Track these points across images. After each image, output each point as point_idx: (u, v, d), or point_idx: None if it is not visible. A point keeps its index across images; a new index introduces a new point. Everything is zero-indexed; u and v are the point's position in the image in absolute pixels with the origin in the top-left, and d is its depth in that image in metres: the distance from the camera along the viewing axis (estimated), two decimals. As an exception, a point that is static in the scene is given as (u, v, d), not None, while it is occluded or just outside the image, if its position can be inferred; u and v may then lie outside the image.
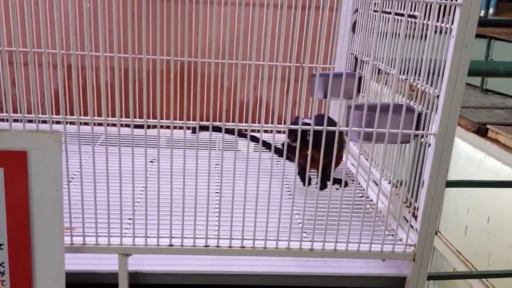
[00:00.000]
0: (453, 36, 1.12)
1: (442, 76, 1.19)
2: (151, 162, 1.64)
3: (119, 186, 1.20)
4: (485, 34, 4.29)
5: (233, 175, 1.22)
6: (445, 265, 3.67)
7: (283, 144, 1.52)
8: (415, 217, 1.29)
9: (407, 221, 1.33)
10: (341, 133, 1.31)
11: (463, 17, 1.09)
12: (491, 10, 5.72)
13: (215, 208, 1.43)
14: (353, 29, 1.90)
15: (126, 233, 1.26)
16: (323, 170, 1.36)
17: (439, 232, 3.74)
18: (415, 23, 1.32)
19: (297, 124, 1.23)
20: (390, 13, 1.46)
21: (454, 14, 1.15)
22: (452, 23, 1.14)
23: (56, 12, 1.11)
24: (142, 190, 1.44)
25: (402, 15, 1.33)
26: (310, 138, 1.22)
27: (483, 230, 3.37)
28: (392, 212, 1.39)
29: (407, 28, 1.26)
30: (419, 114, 1.28)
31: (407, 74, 1.35)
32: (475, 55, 4.36)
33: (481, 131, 3.30)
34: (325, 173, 1.48)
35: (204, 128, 1.22)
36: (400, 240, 1.32)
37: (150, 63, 1.91)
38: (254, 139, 1.80)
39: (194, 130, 1.46)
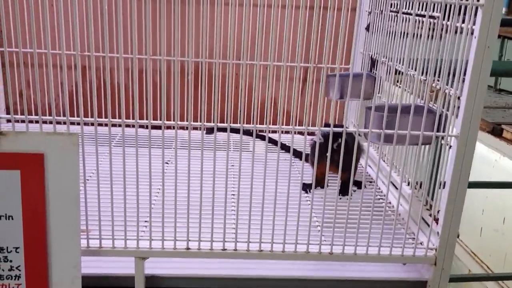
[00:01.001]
0: (475, 37, 1.10)
1: (464, 77, 1.17)
2: (166, 163, 1.63)
3: (136, 188, 1.19)
4: (498, 33, 4.26)
5: (251, 178, 1.20)
6: (460, 266, 3.64)
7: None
8: (436, 220, 1.26)
9: (428, 224, 1.31)
10: (358, 143, 1.29)
11: (486, 18, 1.07)
12: (503, 10, 5.69)
13: (232, 211, 1.41)
14: (368, 29, 1.88)
15: (142, 236, 1.25)
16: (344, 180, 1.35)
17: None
18: (435, 23, 1.30)
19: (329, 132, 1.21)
20: (410, 14, 1.44)
21: (476, 15, 1.12)
22: (474, 24, 1.12)
23: (74, 13, 1.10)
24: (158, 192, 1.43)
25: (421, 15, 1.31)
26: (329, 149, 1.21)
27: (498, 231, 3.34)
28: (412, 215, 1.37)
29: (428, 28, 1.24)
30: (440, 116, 1.26)
31: (427, 75, 1.33)
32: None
33: (496, 131, 3.27)
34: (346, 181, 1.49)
35: (220, 129, 1.21)
36: (421, 243, 1.30)
37: (165, 64, 1.89)
38: (271, 140, 1.79)
39: (208, 131, 1.45)
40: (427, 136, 1.21)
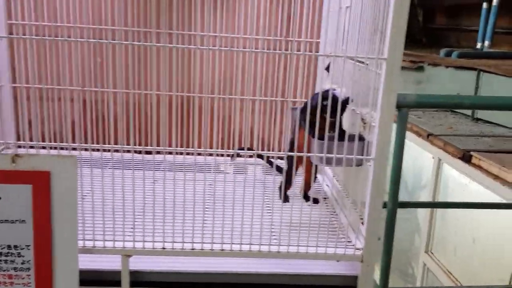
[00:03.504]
0: (381, 83, 1.42)
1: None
2: (154, 183, 1.94)
3: (122, 201, 1.51)
4: (474, 67, 4.57)
5: (214, 196, 1.52)
6: (437, 284, 3.89)
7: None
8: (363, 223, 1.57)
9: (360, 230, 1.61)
10: None
11: (389, 68, 1.40)
12: (486, 43, 5.97)
13: (199, 218, 1.72)
14: (327, 69, 2.21)
15: (127, 239, 1.56)
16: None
17: (431, 252, 3.98)
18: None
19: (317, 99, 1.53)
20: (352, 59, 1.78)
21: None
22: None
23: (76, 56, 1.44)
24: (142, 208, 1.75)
25: (360, 62, 1.64)
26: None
27: (470, 251, 3.60)
28: (351, 223, 1.68)
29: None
30: (368, 142, 1.57)
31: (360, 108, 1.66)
32: (465, 87, 4.63)
33: (465, 157, 3.53)
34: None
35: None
36: (353, 245, 1.60)
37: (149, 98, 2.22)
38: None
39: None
40: (350, 159, 1.53)
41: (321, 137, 1.57)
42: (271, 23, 2.24)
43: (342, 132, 1.56)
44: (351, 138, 1.55)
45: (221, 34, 2.04)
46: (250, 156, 1.69)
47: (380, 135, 1.45)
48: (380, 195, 1.49)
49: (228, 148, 1.92)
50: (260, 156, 2.09)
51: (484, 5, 5.94)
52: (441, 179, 3.95)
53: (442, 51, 5.64)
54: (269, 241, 1.56)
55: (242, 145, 2.16)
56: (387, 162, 1.47)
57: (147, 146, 1.49)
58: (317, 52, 2.31)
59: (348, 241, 1.62)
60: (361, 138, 1.59)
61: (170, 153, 1.51)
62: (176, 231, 1.54)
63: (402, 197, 4.11)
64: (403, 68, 5.04)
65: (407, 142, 3.79)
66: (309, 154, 1.57)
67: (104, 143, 1.49)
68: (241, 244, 1.55)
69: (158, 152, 1.51)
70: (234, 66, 2.28)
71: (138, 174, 1.52)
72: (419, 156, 4.19)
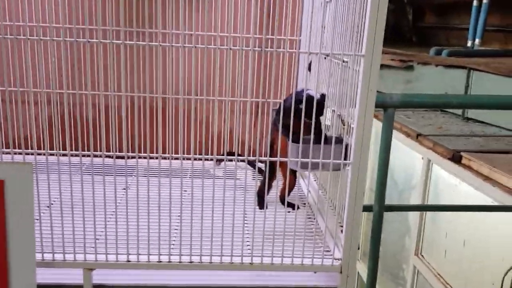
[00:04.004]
0: (360, 81, 1.32)
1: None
2: (124, 189, 1.83)
3: (82, 210, 1.41)
4: (464, 65, 4.49)
5: (181, 204, 1.42)
6: (427, 287, 3.81)
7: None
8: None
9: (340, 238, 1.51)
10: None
11: (366, 65, 1.30)
12: (477, 41, 5.89)
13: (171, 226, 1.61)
14: (309, 68, 2.11)
15: (89, 251, 1.45)
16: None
17: (422, 255, 3.89)
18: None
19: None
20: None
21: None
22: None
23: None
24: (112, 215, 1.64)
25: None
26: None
27: (460, 253, 3.52)
28: (330, 230, 1.58)
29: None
30: (347, 145, 1.47)
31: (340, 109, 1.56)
32: (456, 86, 4.55)
33: (455, 158, 3.45)
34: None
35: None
36: (331, 254, 1.50)
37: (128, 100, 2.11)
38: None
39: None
40: (327, 164, 1.43)
41: (297, 140, 1.48)
42: (248, 20, 2.14)
43: (319, 135, 1.46)
44: (329, 141, 1.45)
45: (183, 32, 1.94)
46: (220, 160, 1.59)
47: (359, 137, 1.36)
48: (359, 201, 1.40)
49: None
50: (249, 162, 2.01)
51: (475, 2, 5.87)
52: (431, 180, 3.87)
53: (432, 50, 5.56)
54: (241, 251, 1.46)
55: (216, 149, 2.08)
56: (367, 166, 1.38)
57: (109, 151, 1.38)
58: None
59: (327, 250, 1.52)
60: (340, 141, 1.49)
61: (132, 157, 1.41)
62: (141, 242, 1.44)
63: (392, 198, 4.03)
64: (392, 67, 4.97)
65: (396, 143, 3.70)
66: (282, 159, 1.47)
67: (65, 148, 1.37)
68: (212, 255, 1.45)
69: (120, 157, 1.41)
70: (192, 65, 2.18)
71: (102, 180, 1.42)
72: (409, 156, 4.10)
